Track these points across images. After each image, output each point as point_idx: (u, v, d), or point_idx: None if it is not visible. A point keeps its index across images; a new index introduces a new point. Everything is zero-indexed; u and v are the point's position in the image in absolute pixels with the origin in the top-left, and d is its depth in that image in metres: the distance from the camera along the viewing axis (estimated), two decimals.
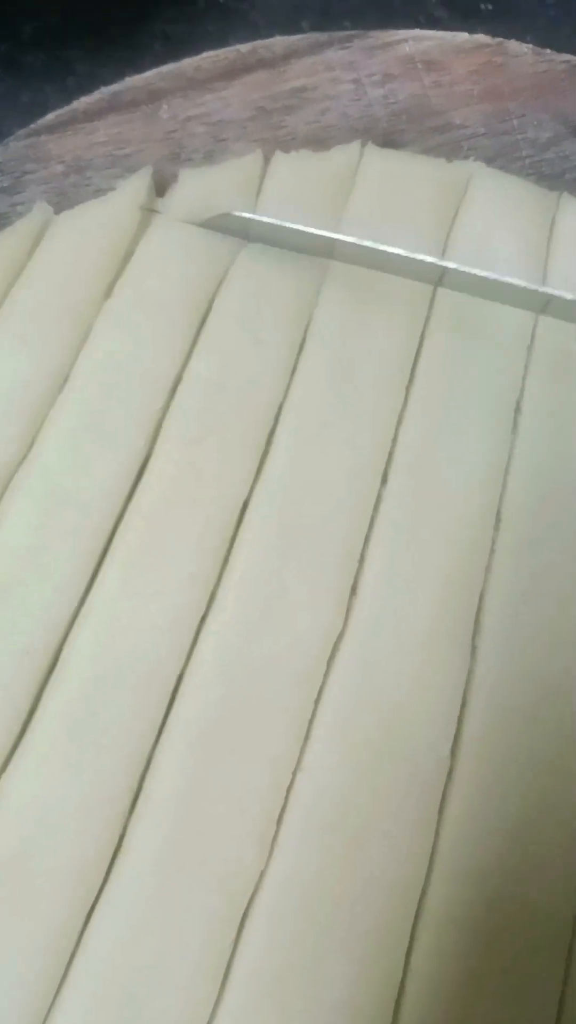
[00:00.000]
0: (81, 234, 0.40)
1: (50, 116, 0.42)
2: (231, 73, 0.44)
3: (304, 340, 0.39)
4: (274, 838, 0.32)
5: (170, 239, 0.40)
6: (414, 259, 0.39)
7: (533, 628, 0.35)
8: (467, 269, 0.39)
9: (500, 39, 0.45)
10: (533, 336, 0.40)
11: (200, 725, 0.33)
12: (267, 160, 0.43)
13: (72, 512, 0.35)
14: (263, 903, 0.31)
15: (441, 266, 0.39)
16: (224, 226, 0.40)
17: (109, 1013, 0.30)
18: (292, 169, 0.42)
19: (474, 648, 0.35)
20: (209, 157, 0.43)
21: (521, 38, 0.45)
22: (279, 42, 0.44)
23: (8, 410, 0.37)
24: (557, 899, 0.32)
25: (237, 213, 0.40)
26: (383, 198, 0.42)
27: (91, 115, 0.43)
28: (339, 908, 0.31)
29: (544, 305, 0.39)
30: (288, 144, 0.43)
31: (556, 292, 0.39)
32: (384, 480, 0.37)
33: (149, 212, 0.41)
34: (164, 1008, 0.30)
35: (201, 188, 0.42)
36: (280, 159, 0.43)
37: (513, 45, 0.44)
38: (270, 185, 0.42)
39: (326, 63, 0.44)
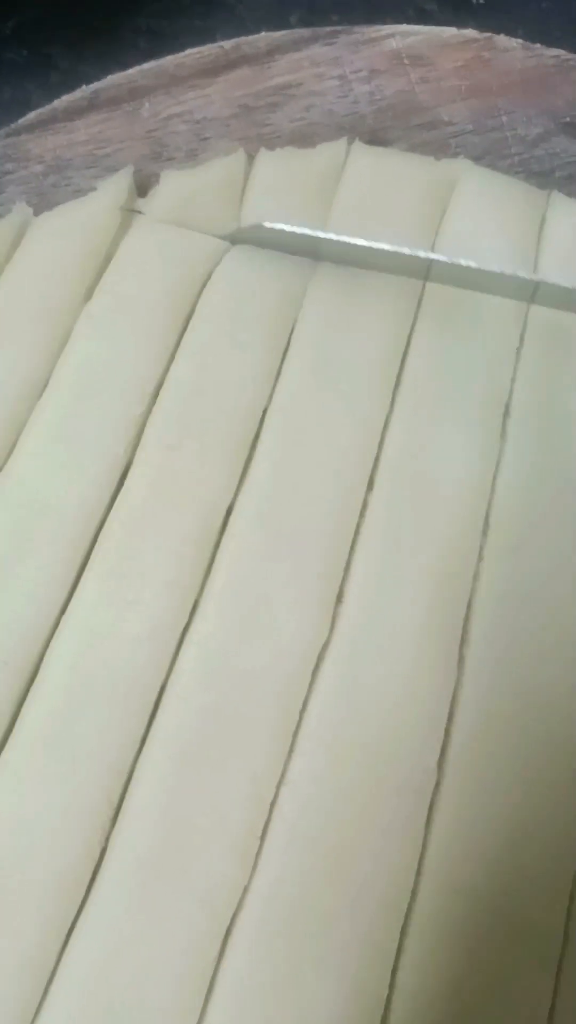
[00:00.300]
0: (60, 236, 0.40)
1: (30, 115, 0.42)
2: (214, 70, 0.43)
3: (289, 343, 0.39)
4: (258, 852, 0.31)
5: (151, 240, 0.40)
6: (401, 254, 0.38)
7: (522, 636, 0.34)
8: (454, 260, 0.38)
9: (488, 34, 0.44)
10: (522, 339, 0.39)
11: (182, 737, 0.32)
12: (251, 159, 0.42)
13: (50, 520, 0.35)
14: (246, 918, 0.31)
15: (428, 259, 0.38)
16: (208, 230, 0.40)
17: None
18: (277, 168, 0.42)
19: (461, 657, 0.34)
20: (192, 156, 0.43)
21: (513, 32, 0.45)
22: (263, 38, 0.43)
23: None
24: (546, 913, 0.31)
25: (269, 224, 0.39)
26: (370, 197, 0.41)
27: (71, 114, 0.42)
28: (324, 923, 0.31)
29: (533, 293, 0.39)
30: (272, 142, 0.43)
31: (544, 278, 0.38)
32: (370, 485, 0.36)
33: (130, 213, 0.40)
34: None
35: (183, 188, 0.41)
36: (264, 157, 0.42)
37: (502, 40, 0.44)
38: (254, 184, 0.41)
39: (311, 59, 0.43)
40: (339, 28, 0.44)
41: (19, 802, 0.31)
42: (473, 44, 0.44)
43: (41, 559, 0.34)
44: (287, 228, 0.38)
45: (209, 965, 0.30)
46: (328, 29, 0.44)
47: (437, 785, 0.32)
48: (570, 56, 0.43)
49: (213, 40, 0.44)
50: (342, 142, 0.42)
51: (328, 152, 0.42)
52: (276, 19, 0.54)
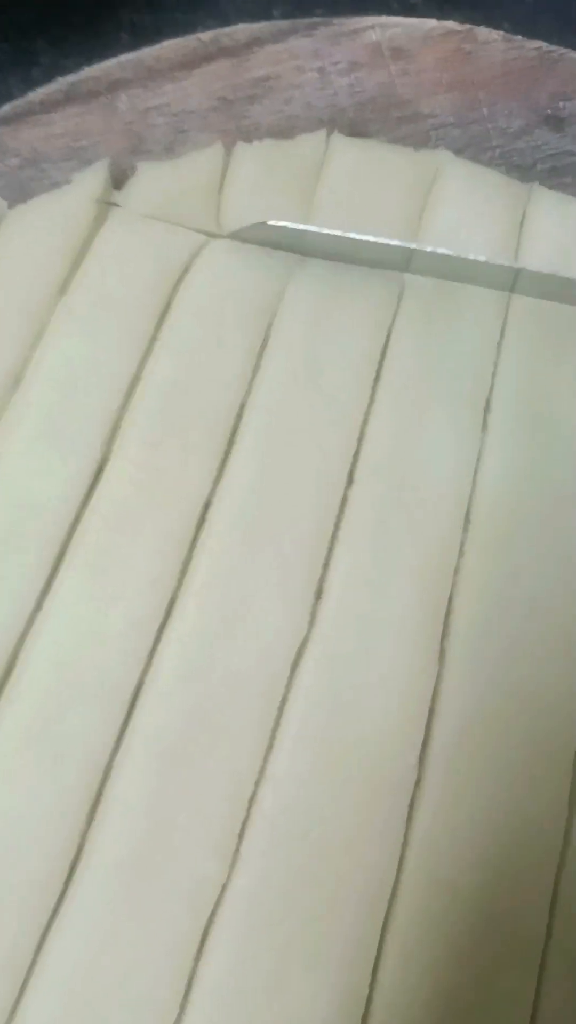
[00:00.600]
0: (35, 229, 0.39)
1: (6, 107, 0.41)
2: (192, 62, 0.43)
3: (268, 338, 0.38)
4: (237, 850, 0.31)
5: (128, 234, 0.39)
6: (389, 246, 0.38)
7: (505, 631, 0.34)
8: (435, 249, 0.38)
9: (470, 26, 0.44)
10: (503, 332, 0.39)
11: (162, 734, 0.32)
12: (229, 152, 0.42)
13: (27, 517, 0.34)
14: (226, 916, 0.31)
15: (409, 249, 0.38)
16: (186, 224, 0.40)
17: None
18: (256, 161, 0.41)
19: (443, 653, 0.34)
20: (170, 149, 0.42)
21: (498, 24, 0.44)
22: (242, 30, 0.43)
23: None
24: (529, 911, 0.31)
25: (272, 223, 0.38)
26: (352, 190, 0.41)
27: (48, 106, 0.42)
28: (304, 921, 0.30)
29: (513, 282, 0.38)
30: (251, 135, 0.42)
31: (526, 266, 0.38)
32: (350, 481, 0.36)
33: (106, 206, 0.40)
34: None
35: (161, 181, 0.41)
36: (243, 150, 0.41)
37: (483, 32, 0.43)
38: (233, 178, 0.41)
39: (290, 51, 0.43)
40: (318, 20, 0.43)
41: None
42: (454, 36, 0.43)
43: (21, 556, 0.34)
44: (290, 226, 0.38)
45: (189, 963, 0.30)
46: (307, 21, 0.43)
47: (418, 782, 0.32)
48: (552, 48, 0.43)
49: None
50: (321, 134, 0.42)
51: (308, 144, 0.42)
52: (260, 13, 0.53)
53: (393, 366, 0.38)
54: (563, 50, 0.43)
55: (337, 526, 0.35)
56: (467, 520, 0.36)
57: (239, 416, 0.37)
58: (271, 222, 0.38)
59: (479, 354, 0.38)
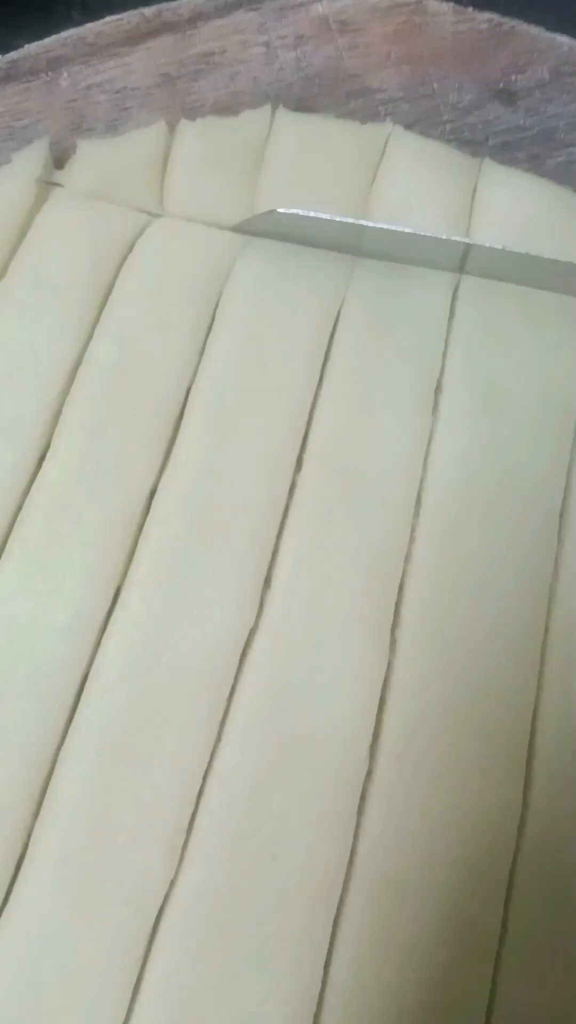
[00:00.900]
0: None
1: None
2: (135, 38, 0.41)
3: (213, 320, 0.37)
4: (183, 846, 0.31)
5: (68, 214, 0.38)
6: (333, 221, 0.37)
7: (457, 619, 0.34)
8: (386, 225, 0.37)
9: None
10: (453, 313, 0.38)
11: (105, 730, 0.31)
12: (173, 129, 0.40)
13: None
14: (173, 915, 0.30)
15: (360, 225, 0.37)
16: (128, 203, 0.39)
17: None
18: (199, 139, 0.40)
19: (394, 641, 0.33)
20: (112, 127, 0.41)
21: None
22: (185, 4, 0.42)
23: None
24: (483, 906, 0.31)
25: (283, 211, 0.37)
26: (298, 166, 0.40)
27: None
28: (253, 919, 0.30)
29: (463, 260, 0.38)
30: (196, 112, 0.41)
31: (477, 242, 0.37)
32: (299, 466, 0.35)
33: (46, 185, 0.39)
34: None
35: (103, 160, 0.39)
36: (186, 128, 0.40)
37: (432, 4, 0.42)
38: (176, 156, 0.40)
39: (235, 26, 0.42)
40: None
41: None
42: (403, 8, 0.42)
43: None
44: (301, 213, 0.37)
45: (136, 963, 0.29)
46: None
47: (369, 774, 0.32)
48: (503, 20, 0.42)
49: None
50: (266, 110, 0.41)
51: (252, 121, 0.41)
52: None
53: (342, 348, 0.37)
54: (515, 22, 0.42)
55: (286, 513, 0.35)
56: (418, 504, 0.35)
57: (185, 401, 0.36)
58: (281, 210, 0.37)
59: (429, 336, 0.37)
